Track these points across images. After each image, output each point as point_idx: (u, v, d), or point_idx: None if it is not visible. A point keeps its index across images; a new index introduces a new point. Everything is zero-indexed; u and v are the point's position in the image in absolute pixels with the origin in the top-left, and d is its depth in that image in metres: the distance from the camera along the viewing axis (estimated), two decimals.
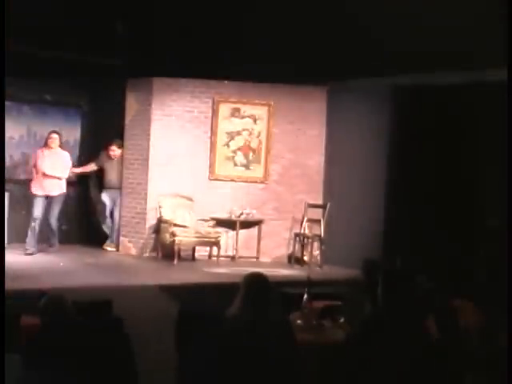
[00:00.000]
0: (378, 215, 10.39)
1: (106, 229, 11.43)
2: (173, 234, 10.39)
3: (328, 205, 10.83)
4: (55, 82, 11.62)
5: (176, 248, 10.36)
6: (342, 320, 5.67)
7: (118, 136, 11.37)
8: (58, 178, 10.63)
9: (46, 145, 10.81)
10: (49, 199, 10.60)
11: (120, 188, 11.32)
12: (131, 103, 11.32)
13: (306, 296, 5.84)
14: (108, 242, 11.38)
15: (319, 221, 10.88)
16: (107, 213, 11.36)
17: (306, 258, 11.01)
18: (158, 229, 10.84)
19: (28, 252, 10.27)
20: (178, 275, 9.51)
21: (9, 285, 7.89)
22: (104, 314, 5.92)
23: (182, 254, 10.63)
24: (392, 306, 4.40)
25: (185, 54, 10.55)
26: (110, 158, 11.36)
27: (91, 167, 11.52)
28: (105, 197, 11.41)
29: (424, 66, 9.62)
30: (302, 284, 6.84)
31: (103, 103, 11.93)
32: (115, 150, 11.34)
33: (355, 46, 9.73)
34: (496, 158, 8.86)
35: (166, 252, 10.61)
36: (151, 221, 10.99)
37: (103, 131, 11.71)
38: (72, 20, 9.93)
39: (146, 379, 4.89)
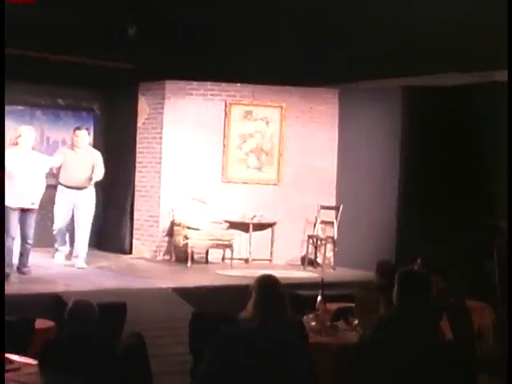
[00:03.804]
0: (391, 217, 10.37)
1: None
2: (186, 237, 10.41)
3: (341, 206, 10.82)
4: (68, 86, 11.67)
5: (189, 251, 10.37)
6: (355, 322, 5.67)
7: (131, 140, 11.37)
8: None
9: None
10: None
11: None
12: (143, 107, 11.35)
13: (319, 298, 5.84)
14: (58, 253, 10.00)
15: (332, 223, 10.86)
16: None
17: (319, 260, 11.00)
18: (171, 232, 10.86)
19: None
20: (191, 278, 9.51)
21: (23, 288, 7.98)
22: (119, 317, 5.95)
23: (195, 256, 10.64)
24: (406, 307, 4.39)
25: (197, 57, 10.58)
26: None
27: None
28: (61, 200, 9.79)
29: (435, 67, 9.61)
30: (316, 286, 6.85)
31: (116, 107, 11.97)
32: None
33: (367, 47, 9.73)
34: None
35: (180, 255, 10.63)
36: (164, 224, 11.01)
37: (116, 135, 11.75)
38: (84, 24, 9.99)
39: (161, 381, 4.90)
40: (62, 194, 9.66)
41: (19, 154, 8.67)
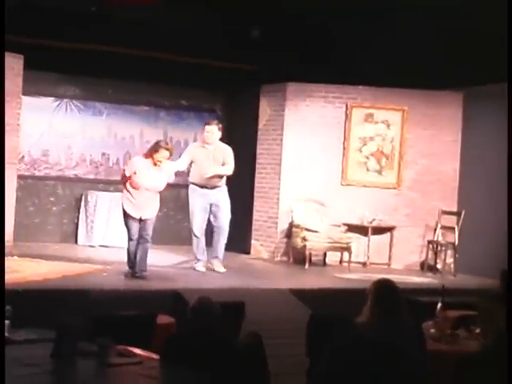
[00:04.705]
0: None
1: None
2: (304, 239, 10.41)
3: (463, 212, 10.57)
4: (191, 88, 11.91)
5: (307, 253, 10.38)
6: (477, 330, 5.52)
7: (252, 141, 11.47)
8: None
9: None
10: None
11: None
12: (265, 108, 11.44)
13: (439, 305, 5.73)
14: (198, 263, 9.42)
15: (453, 228, 10.63)
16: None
17: (439, 266, 10.79)
18: (289, 233, 10.90)
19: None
20: (308, 280, 9.52)
21: (145, 285, 8.19)
22: (237, 316, 6.01)
23: (313, 258, 10.63)
24: None
25: (318, 59, 10.58)
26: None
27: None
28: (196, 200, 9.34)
29: None
30: (435, 292, 6.73)
31: (237, 108, 12.13)
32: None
33: (492, 49, 9.47)
34: None
35: (298, 256, 10.65)
36: (283, 225, 11.06)
37: (236, 136, 11.89)
38: (207, 26, 10.16)
39: (278, 381, 4.92)
40: (195, 194, 9.23)
41: (149, 166, 8.35)
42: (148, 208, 8.44)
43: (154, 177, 8.38)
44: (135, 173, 8.32)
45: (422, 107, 11.16)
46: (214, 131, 9.21)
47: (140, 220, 8.44)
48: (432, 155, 11.18)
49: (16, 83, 9.85)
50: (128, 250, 8.55)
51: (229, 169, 9.19)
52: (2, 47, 8.47)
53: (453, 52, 9.87)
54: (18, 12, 9.05)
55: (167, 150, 8.38)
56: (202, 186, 9.17)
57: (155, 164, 8.35)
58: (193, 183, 9.26)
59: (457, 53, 9.83)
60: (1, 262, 7.87)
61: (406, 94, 11.09)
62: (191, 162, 9.22)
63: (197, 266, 9.30)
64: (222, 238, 9.25)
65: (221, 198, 9.21)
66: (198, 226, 9.23)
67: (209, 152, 9.19)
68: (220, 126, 9.31)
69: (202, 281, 8.68)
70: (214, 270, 9.26)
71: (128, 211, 8.41)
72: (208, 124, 9.32)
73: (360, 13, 9.66)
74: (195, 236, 9.28)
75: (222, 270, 9.28)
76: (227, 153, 9.26)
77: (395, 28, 9.88)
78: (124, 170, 8.52)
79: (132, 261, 8.53)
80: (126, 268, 8.58)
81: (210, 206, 9.17)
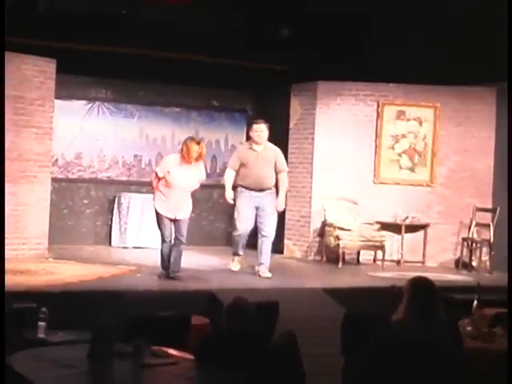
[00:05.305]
0: None
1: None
2: (337, 238, 10.38)
3: (498, 209, 10.47)
4: (222, 88, 11.93)
5: (340, 251, 10.34)
6: None
7: (283, 140, 11.46)
8: None
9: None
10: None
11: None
12: (296, 107, 11.42)
13: (475, 302, 5.68)
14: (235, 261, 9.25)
15: (488, 225, 10.53)
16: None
17: (474, 264, 10.70)
18: (322, 232, 10.87)
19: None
20: (342, 279, 9.48)
21: (180, 285, 8.21)
22: (271, 316, 6.00)
23: (346, 257, 10.59)
24: None
25: (348, 57, 10.53)
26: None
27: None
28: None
29: None
30: (471, 290, 6.66)
31: (268, 108, 12.11)
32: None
33: None
34: None
35: (331, 255, 10.62)
36: (315, 224, 11.03)
37: (268, 135, 11.87)
38: (236, 27, 10.16)
39: (312, 381, 4.90)
40: (242, 195, 8.90)
41: (181, 165, 8.29)
42: (181, 208, 8.38)
43: (186, 175, 8.32)
44: (168, 172, 8.31)
45: (455, 103, 11.07)
46: (263, 129, 8.82)
47: (173, 220, 8.42)
48: (465, 152, 11.09)
49: (49, 87, 9.94)
50: (161, 251, 8.53)
51: (286, 181, 8.91)
52: (2, 47, 8.53)
53: (485, 47, 9.77)
54: (50, 17, 9.13)
55: (197, 143, 8.33)
56: (251, 189, 8.87)
57: (187, 161, 8.27)
58: (241, 186, 8.91)
59: (489, 47, 9.74)
60: (1, 262, 7.85)
61: (437, 90, 11.02)
62: (240, 164, 8.90)
63: (232, 265, 9.15)
64: (267, 244, 8.94)
65: (269, 202, 8.86)
66: (243, 224, 8.88)
67: (258, 154, 8.84)
68: (267, 124, 8.90)
69: (235, 281, 8.67)
70: (260, 276, 8.91)
71: (161, 212, 8.36)
72: (256, 123, 8.94)
73: (389, 10, 9.61)
74: (237, 233, 8.99)
75: (269, 275, 8.92)
76: (278, 154, 8.96)
77: (425, 24, 9.81)
78: (156, 173, 8.50)
79: (165, 262, 8.52)
80: (160, 269, 8.58)
81: (257, 209, 8.86)
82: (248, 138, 9.00)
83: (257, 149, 8.87)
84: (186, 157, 8.27)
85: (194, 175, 8.41)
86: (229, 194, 8.87)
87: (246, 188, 8.86)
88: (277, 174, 8.90)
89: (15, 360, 4.39)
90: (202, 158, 8.45)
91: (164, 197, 8.33)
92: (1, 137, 9.13)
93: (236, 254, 9.17)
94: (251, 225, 8.90)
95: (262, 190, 8.83)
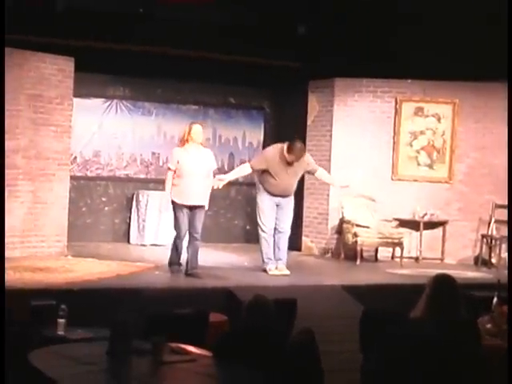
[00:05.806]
0: None
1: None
2: (355, 235, 10.36)
3: None
4: (239, 86, 11.93)
5: (358, 248, 10.33)
6: None
7: (301, 137, 11.44)
8: None
9: None
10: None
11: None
12: (313, 104, 11.40)
13: (495, 300, 5.65)
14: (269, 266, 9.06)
15: (508, 222, 10.48)
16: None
17: (493, 261, 10.64)
18: (340, 229, 10.85)
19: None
20: (360, 275, 9.46)
21: (198, 283, 8.23)
22: (290, 313, 6.00)
23: (364, 254, 10.58)
24: None
25: (366, 53, 10.50)
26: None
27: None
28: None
29: None
30: (490, 287, 6.64)
31: (285, 105, 12.11)
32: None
33: None
34: None
35: (349, 252, 10.60)
36: (333, 221, 11.01)
37: (285, 133, 11.86)
38: (254, 24, 10.15)
39: (331, 378, 4.90)
40: (265, 196, 8.95)
41: (189, 152, 8.45)
42: (196, 194, 8.40)
43: (195, 161, 8.42)
44: (178, 162, 8.39)
45: (473, 100, 11.01)
46: (302, 150, 8.89)
47: (189, 210, 8.43)
48: (484, 148, 11.03)
49: (67, 85, 9.98)
50: (174, 245, 8.57)
51: (324, 172, 9.39)
52: (2, 47, 8.55)
53: (503, 42, 9.71)
54: (68, 16, 9.17)
55: (199, 124, 8.63)
56: (274, 195, 8.92)
57: (188, 141, 8.43)
58: (265, 189, 8.93)
59: (507, 43, 9.67)
60: (1, 262, 7.86)
61: (456, 86, 10.96)
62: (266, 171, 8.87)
63: (269, 268, 8.95)
64: (284, 240, 9.00)
65: (288, 201, 9.01)
66: (268, 223, 8.92)
67: (290, 169, 8.82)
68: (306, 152, 9.04)
69: (253, 278, 8.68)
70: (280, 274, 8.90)
71: (176, 199, 8.41)
72: (294, 147, 8.77)
73: (407, 6, 9.57)
74: (264, 233, 8.95)
75: (287, 272, 8.95)
76: (309, 162, 9.07)
77: (443, 20, 9.76)
78: (169, 168, 8.56)
79: (174, 258, 8.59)
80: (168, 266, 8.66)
81: (277, 206, 8.93)
82: (283, 148, 8.90)
83: (290, 164, 8.82)
84: (189, 140, 8.44)
85: (203, 161, 8.50)
86: (226, 178, 8.92)
87: (270, 193, 8.91)
88: (313, 174, 9.30)
89: (35, 357, 4.41)
90: (202, 141, 8.57)
91: (178, 186, 8.41)
92: (1, 137, 9.11)
93: (269, 258, 8.99)
94: (274, 221, 8.96)
95: (284, 196, 8.95)
